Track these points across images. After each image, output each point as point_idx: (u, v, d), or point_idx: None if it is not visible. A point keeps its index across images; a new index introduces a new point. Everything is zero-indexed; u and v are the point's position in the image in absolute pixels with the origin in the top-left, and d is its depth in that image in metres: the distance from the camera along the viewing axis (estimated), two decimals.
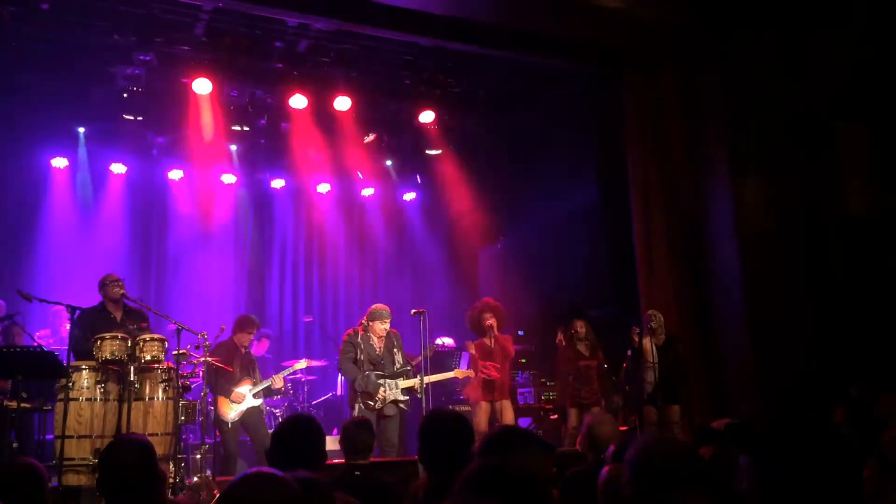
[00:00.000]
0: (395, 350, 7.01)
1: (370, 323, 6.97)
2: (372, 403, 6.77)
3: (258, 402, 7.28)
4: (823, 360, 6.76)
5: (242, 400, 7.15)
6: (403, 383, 6.91)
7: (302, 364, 7.93)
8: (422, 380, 6.73)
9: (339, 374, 8.89)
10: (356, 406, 6.88)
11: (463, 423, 3.10)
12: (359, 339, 6.93)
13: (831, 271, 7.08)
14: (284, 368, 7.81)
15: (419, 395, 6.77)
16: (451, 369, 7.84)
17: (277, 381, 7.40)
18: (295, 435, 3.19)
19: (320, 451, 3.18)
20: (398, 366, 6.97)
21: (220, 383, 7.09)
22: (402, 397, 6.89)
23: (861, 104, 7.32)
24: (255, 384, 7.26)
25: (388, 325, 6.99)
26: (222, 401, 7.14)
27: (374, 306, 7.12)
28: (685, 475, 2.17)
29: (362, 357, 6.87)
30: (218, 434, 7.04)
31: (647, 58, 7.98)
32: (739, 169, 7.41)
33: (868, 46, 7.11)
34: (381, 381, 6.84)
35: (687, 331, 7.43)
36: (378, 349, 6.94)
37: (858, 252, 7.07)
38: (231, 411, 7.12)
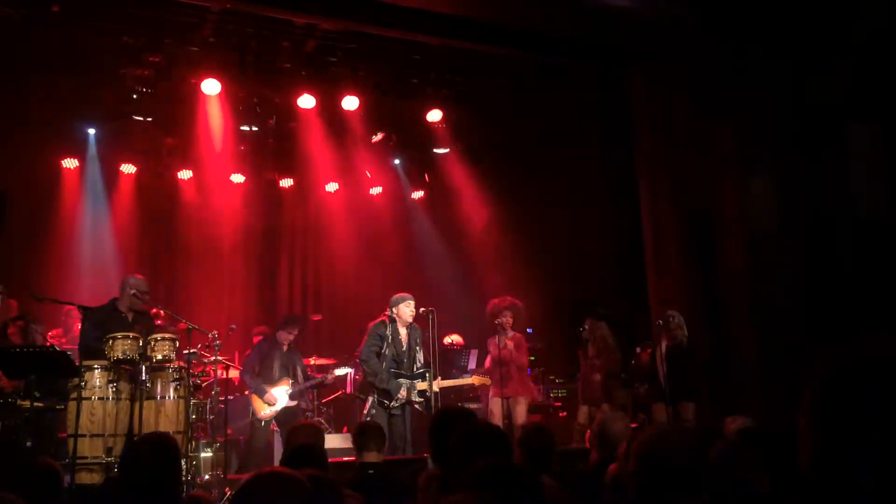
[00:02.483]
0: (418, 348, 6.90)
1: (396, 309, 6.83)
2: (388, 403, 6.69)
3: (294, 402, 7.29)
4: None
5: (276, 402, 7.17)
6: (422, 385, 6.80)
7: (344, 370, 7.99)
8: (430, 380, 6.72)
9: (347, 373, 8.85)
10: (369, 399, 6.79)
11: (473, 420, 3.13)
12: (387, 332, 6.77)
13: (840, 271, 7.04)
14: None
15: (428, 395, 6.77)
16: (461, 367, 7.83)
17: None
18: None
19: None
20: (418, 365, 6.87)
21: (257, 382, 7.16)
22: (418, 399, 6.82)
23: (871, 103, 7.28)
24: (292, 385, 7.26)
25: (413, 309, 6.82)
26: (256, 399, 7.18)
27: (396, 295, 7.00)
28: (689, 476, 2.18)
29: (387, 352, 6.74)
30: (230, 431, 7.09)
31: (654, 56, 7.96)
32: (748, 167, 7.39)
33: (878, 44, 7.07)
34: (402, 381, 6.73)
35: (695, 328, 7.43)
36: (403, 344, 6.82)
37: (868, 251, 7.03)
38: (264, 409, 7.16)
